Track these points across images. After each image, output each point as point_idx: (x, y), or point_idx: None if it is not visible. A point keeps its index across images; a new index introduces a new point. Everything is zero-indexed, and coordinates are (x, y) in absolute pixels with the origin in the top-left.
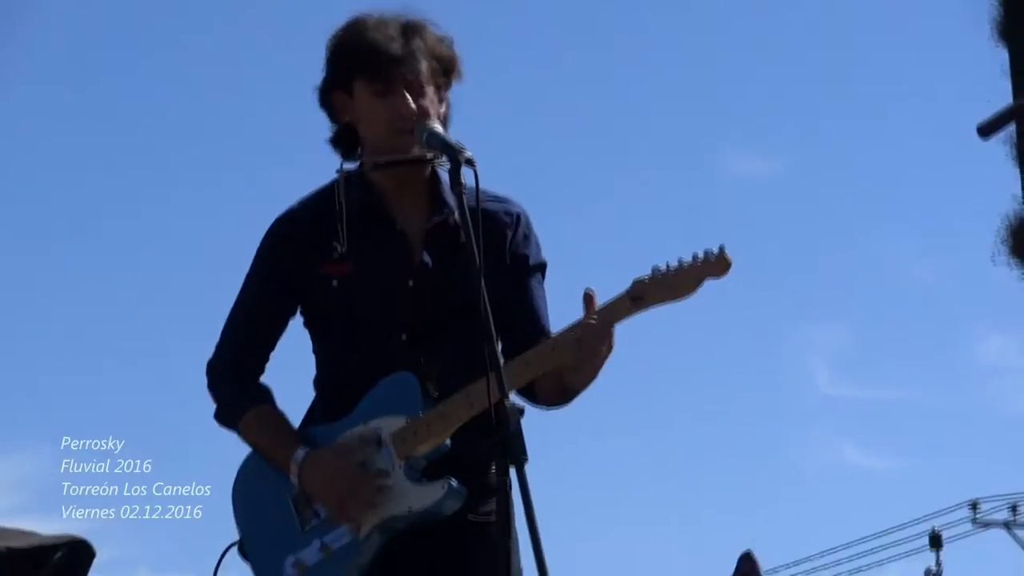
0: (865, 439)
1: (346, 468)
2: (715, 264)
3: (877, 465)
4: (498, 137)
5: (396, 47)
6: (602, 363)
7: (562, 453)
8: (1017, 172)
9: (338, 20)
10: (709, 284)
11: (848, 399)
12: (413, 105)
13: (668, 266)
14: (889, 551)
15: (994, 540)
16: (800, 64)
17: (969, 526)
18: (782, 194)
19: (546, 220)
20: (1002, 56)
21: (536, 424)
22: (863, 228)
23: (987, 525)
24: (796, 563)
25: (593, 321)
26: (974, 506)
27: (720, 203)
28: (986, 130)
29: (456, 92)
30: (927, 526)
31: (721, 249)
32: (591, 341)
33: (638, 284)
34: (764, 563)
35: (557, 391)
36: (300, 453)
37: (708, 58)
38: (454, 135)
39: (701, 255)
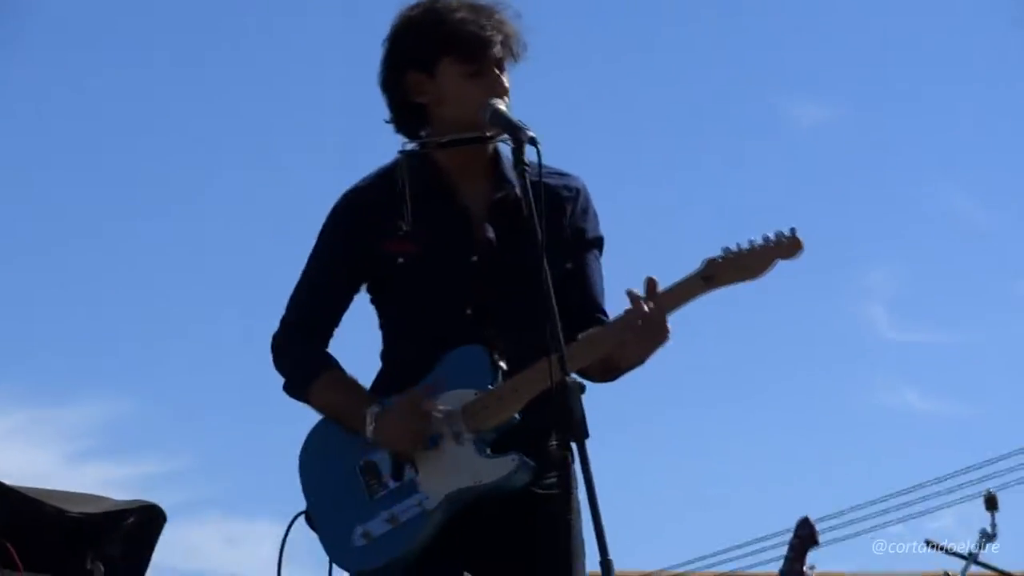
0: (926, 383)
1: (420, 410)
2: (787, 246)
3: (938, 409)
4: (546, 110)
5: (488, 28)
6: (655, 348)
7: (625, 422)
8: None
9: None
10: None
11: (909, 343)
12: (507, 85)
13: (739, 247)
14: (945, 497)
15: None
16: (858, 7)
17: None
18: (840, 140)
19: (613, 191)
20: None
21: (601, 396)
22: (921, 175)
23: None
24: (854, 508)
25: (651, 306)
26: None
27: (779, 150)
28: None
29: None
30: (985, 472)
31: (792, 231)
32: (648, 326)
33: (710, 263)
34: (822, 510)
35: (607, 369)
36: (375, 408)
37: (760, 6)
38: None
39: (772, 236)
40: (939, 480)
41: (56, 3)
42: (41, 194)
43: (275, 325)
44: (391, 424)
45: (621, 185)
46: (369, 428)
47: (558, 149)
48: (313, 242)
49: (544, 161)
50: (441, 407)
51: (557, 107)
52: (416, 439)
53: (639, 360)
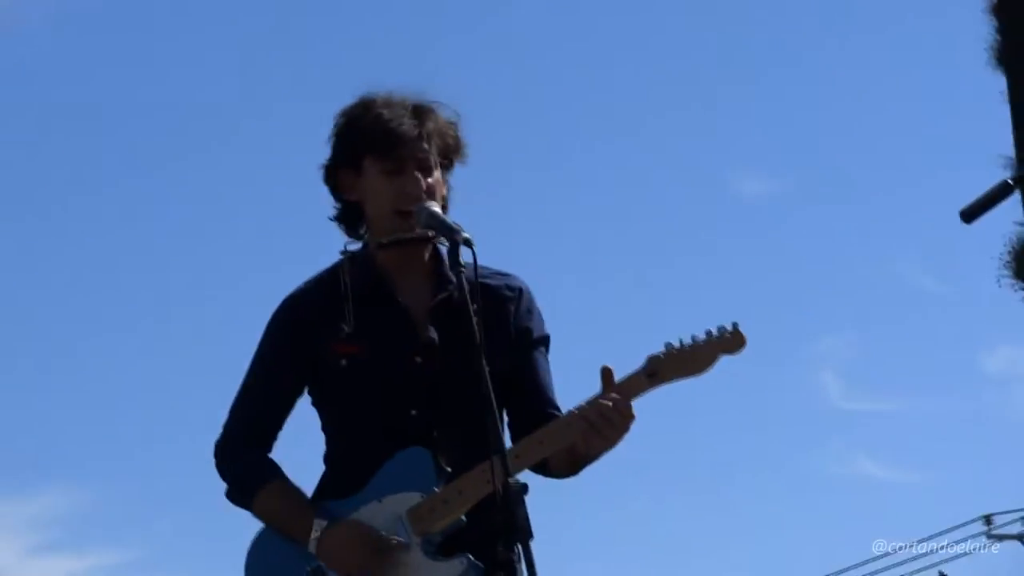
0: (880, 452)
1: (365, 541)
2: (730, 341)
3: (892, 478)
4: (496, 199)
5: (408, 127)
6: (623, 433)
7: (580, 508)
8: (1019, 197)
9: (345, 94)
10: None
11: (861, 412)
12: (424, 185)
13: (682, 343)
14: (904, 567)
15: (1008, 553)
16: (804, 81)
17: (984, 540)
18: (788, 211)
19: (559, 277)
20: (1000, 81)
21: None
22: (870, 243)
23: (1001, 538)
24: None
25: (615, 397)
26: (988, 520)
27: (730, 223)
28: (970, 215)
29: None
30: (942, 541)
31: (735, 326)
32: (613, 417)
33: (653, 360)
34: None
35: (570, 462)
36: (320, 524)
37: (705, 81)
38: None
39: (716, 331)
40: (894, 551)
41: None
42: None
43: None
44: (337, 549)
45: (568, 269)
46: (313, 545)
47: (504, 240)
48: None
49: (489, 259)
50: (392, 540)
51: (500, 196)
52: (360, 570)
53: (605, 448)
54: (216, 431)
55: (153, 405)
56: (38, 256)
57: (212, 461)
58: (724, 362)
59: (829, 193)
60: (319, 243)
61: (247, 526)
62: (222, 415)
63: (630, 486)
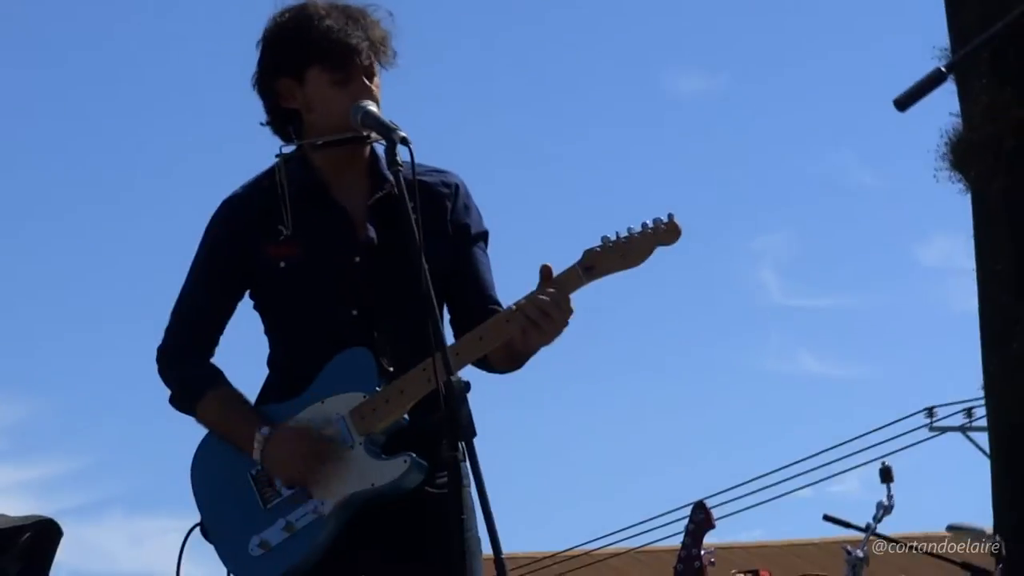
0: (820, 347)
1: (309, 442)
2: (665, 232)
3: (832, 373)
4: (430, 98)
5: (355, 35)
6: (561, 328)
7: (513, 411)
8: (954, 88)
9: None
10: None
11: (800, 308)
12: (371, 90)
13: (618, 236)
14: (846, 462)
15: (951, 444)
16: None
17: (926, 432)
18: (722, 108)
19: (496, 176)
20: None
21: (486, 389)
22: (806, 139)
23: (943, 431)
24: (759, 477)
25: (552, 291)
26: (930, 412)
27: (665, 123)
28: (904, 103)
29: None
30: (884, 434)
31: (671, 217)
32: (552, 311)
33: (589, 254)
34: (724, 480)
35: (509, 357)
36: (264, 431)
37: None
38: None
39: (651, 224)
40: (841, 444)
41: None
42: None
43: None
44: (280, 455)
45: (506, 169)
46: (257, 452)
47: (436, 141)
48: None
49: (423, 157)
50: (334, 442)
51: (434, 96)
52: (304, 475)
53: (544, 343)
54: (158, 335)
55: (94, 312)
56: None
57: (155, 368)
58: (664, 261)
59: (764, 90)
60: (253, 150)
61: (195, 430)
62: (164, 319)
63: (567, 381)
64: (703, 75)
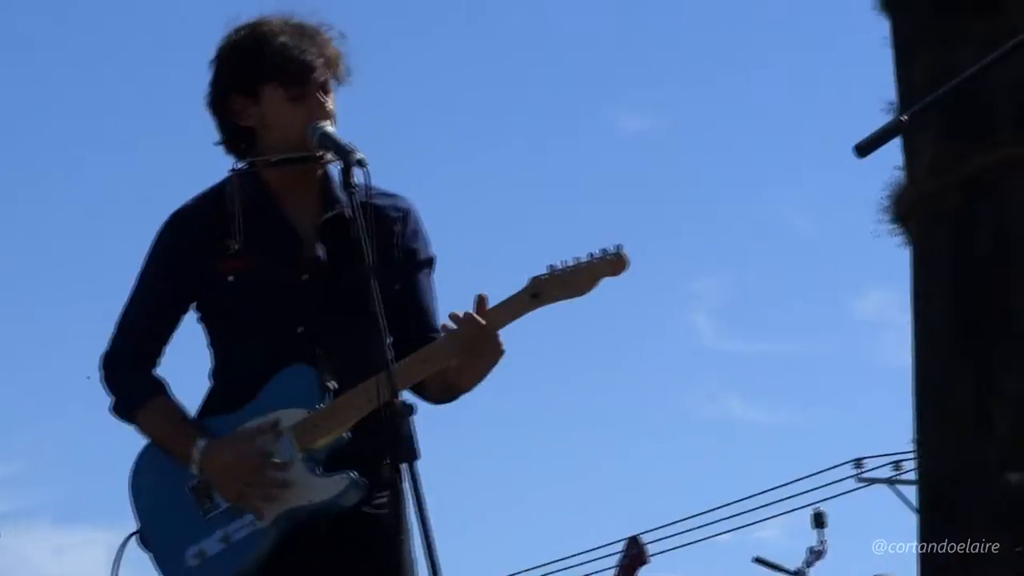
0: (751, 393)
1: (247, 457)
2: (612, 263)
3: (762, 419)
4: (380, 126)
5: (309, 53)
6: (490, 366)
7: (452, 440)
8: (899, 142)
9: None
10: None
11: (733, 352)
12: (329, 108)
13: (565, 264)
14: (771, 508)
15: (878, 496)
16: (686, 18)
17: (853, 483)
18: (665, 149)
19: (442, 204)
20: (884, 25)
21: (428, 416)
22: (748, 183)
23: (871, 482)
24: (684, 519)
25: (481, 323)
26: (858, 463)
27: (609, 159)
28: (864, 150)
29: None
30: (812, 483)
31: (618, 248)
32: (478, 342)
33: (536, 281)
34: (649, 521)
35: (444, 389)
36: (201, 443)
37: (585, 19)
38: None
39: (598, 253)
40: (766, 491)
41: None
42: None
43: (108, 323)
44: (218, 467)
45: (449, 197)
46: (194, 466)
47: (387, 164)
48: (142, 261)
49: (376, 179)
50: (272, 456)
51: (386, 121)
52: (241, 493)
53: (476, 379)
54: (95, 343)
55: (28, 315)
56: None
57: (97, 375)
58: (600, 298)
59: (708, 132)
60: (202, 167)
61: (128, 441)
62: (102, 326)
63: (493, 414)
64: (648, 114)
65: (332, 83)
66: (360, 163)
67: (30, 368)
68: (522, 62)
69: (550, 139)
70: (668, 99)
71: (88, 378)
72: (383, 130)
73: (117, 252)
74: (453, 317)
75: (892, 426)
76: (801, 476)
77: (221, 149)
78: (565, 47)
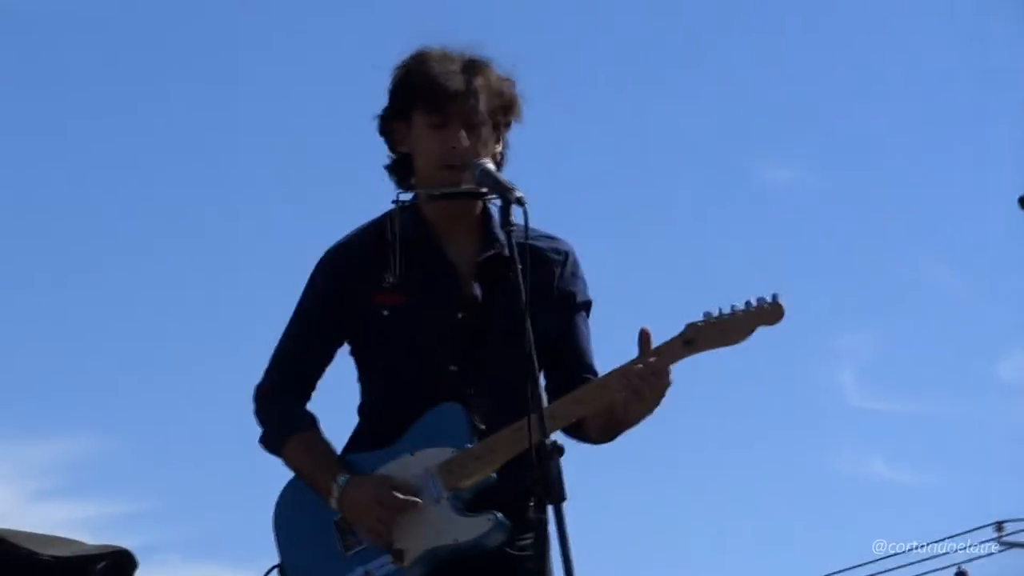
0: (894, 453)
1: (388, 496)
2: (769, 313)
3: (903, 479)
4: (537, 174)
5: (457, 83)
6: (659, 397)
7: (595, 488)
8: None
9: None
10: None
11: (876, 411)
12: (466, 142)
13: (721, 312)
14: (912, 569)
15: (1018, 560)
16: (833, 73)
17: (994, 546)
18: (813, 204)
19: (592, 251)
20: None
21: (574, 460)
22: (892, 240)
23: (1012, 545)
24: None
25: (651, 361)
26: (999, 526)
27: (751, 215)
28: None
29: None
30: (952, 544)
31: (775, 297)
32: (650, 380)
33: (691, 328)
34: None
35: (606, 427)
36: (342, 479)
37: (729, 70)
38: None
39: (755, 302)
40: (905, 552)
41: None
42: (19, 226)
43: (248, 373)
44: (357, 505)
45: (593, 244)
46: (333, 501)
47: (543, 207)
48: (298, 294)
49: (536, 221)
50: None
51: (537, 167)
52: (378, 526)
53: (641, 414)
54: (237, 382)
55: (176, 354)
56: (61, 182)
57: (240, 404)
58: (742, 355)
59: (854, 186)
60: (364, 196)
61: (262, 482)
62: (244, 370)
63: (630, 475)
64: (791, 166)
65: (481, 117)
66: (519, 202)
67: (167, 405)
68: (668, 111)
69: (696, 189)
70: (814, 151)
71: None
72: (542, 170)
73: (261, 298)
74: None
75: None
76: (942, 537)
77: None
78: (711, 97)
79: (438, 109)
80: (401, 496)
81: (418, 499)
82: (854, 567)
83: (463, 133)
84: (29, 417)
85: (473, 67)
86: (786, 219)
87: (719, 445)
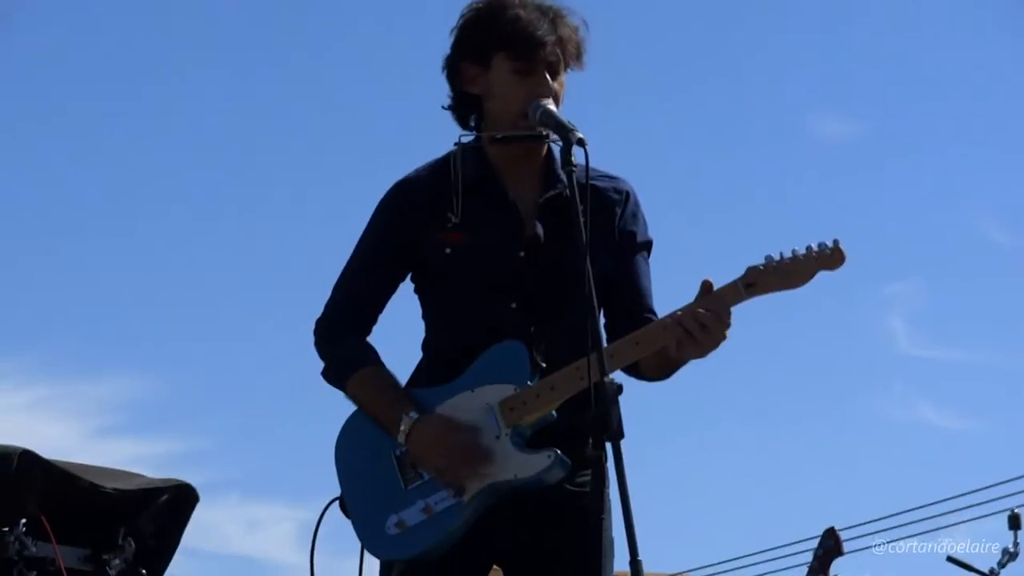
0: (942, 399)
1: (455, 436)
2: (830, 257)
3: (953, 426)
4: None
5: (545, 30)
6: (719, 341)
7: (654, 427)
8: None
9: None
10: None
11: (926, 359)
12: (552, 86)
13: (782, 256)
14: (962, 513)
15: None
16: (887, 25)
17: None
18: (867, 155)
19: (647, 201)
20: None
21: (632, 400)
22: (945, 192)
23: None
24: (872, 521)
25: (712, 305)
26: None
27: (807, 166)
28: None
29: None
30: (1001, 491)
31: (836, 243)
32: (711, 324)
33: (752, 271)
34: (840, 521)
35: (663, 364)
36: (413, 415)
37: (789, 22)
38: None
39: (816, 247)
40: (955, 497)
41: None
42: (85, 176)
43: (305, 313)
44: (425, 443)
45: (650, 192)
46: (402, 436)
47: (602, 152)
48: (360, 231)
49: (598, 162)
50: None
51: (598, 115)
52: (444, 468)
53: (698, 355)
54: (294, 322)
55: (233, 294)
56: (123, 135)
57: (296, 344)
58: (795, 302)
59: (909, 140)
60: (424, 136)
61: (323, 420)
62: (299, 312)
63: (686, 415)
64: (848, 119)
65: (562, 65)
66: (580, 142)
67: (225, 345)
68: (728, 66)
69: (752, 141)
70: (870, 105)
71: None
72: (593, 120)
73: (318, 241)
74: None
75: None
76: (991, 484)
77: (449, 115)
78: (770, 53)
79: (525, 55)
80: (471, 445)
81: (488, 453)
82: (905, 511)
83: (548, 78)
84: (90, 356)
85: (555, 15)
86: (839, 170)
87: (770, 390)
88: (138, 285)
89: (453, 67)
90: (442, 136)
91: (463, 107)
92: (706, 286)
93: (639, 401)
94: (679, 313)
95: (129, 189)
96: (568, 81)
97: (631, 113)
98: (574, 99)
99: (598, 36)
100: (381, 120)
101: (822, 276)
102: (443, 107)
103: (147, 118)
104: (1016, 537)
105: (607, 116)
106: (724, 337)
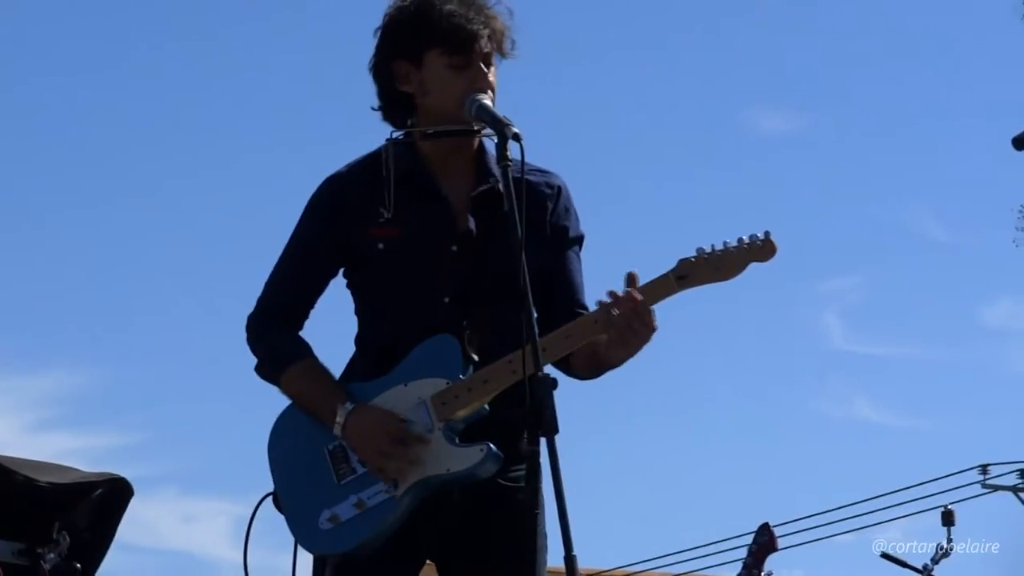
0: (878, 396)
1: (390, 426)
2: (761, 249)
3: (889, 422)
4: (525, 110)
5: (476, 22)
6: (644, 342)
7: (590, 423)
8: None
9: None
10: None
11: (862, 355)
12: (490, 80)
13: (714, 248)
14: (897, 509)
15: (1002, 503)
16: (829, 18)
17: (978, 488)
18: (804, 152)
19: (580, 196)
20: None
21: (568, 394)
22: (883, 188)
23: (996, 488)
24: (806, 517)
25: (639, 294)
26: (984, 470)
27: (744, 161)
28: (1021, 143)
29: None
30: (937, 487)
31: (767, 234)
32: (633, 318)
33: (684, 263)
34: (774, 517)
35: (592, 364)
36: (348, 406)
37: (730, 18)
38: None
39: (747, 239)
40: (889, 493)
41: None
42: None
43: (240, 307)
44: (361, 433)
45: (591, 185)
46: (338, 428)
47: (537, 145)
48: (292, 226)
49: (526, 158)
50: (413, 430)
51: (538, 105)
52: (378, 460)
53: (625, 356)
54: (230, 317)
55: (170, 289)
56: (54, 124)
57: (232, 339)
58: (732, 294)
59: (846, 135)
60: (356, 132)
61: (258, 415)
62: (233, 304)
63: (619, 409)
64: (786, 116)
65: (495, 57)
66: (516, 137)
67: (161, 341)
68: (675, 59)
69: (688, 137)
70: (809, 102)
71: None
72: (530, 111)
73: (252, 231)
74: (611, 295)
75: (1019, 434)
76: (926, 480)
77: (378, 116)
78: (707, 47)
79: (461, 49)
80: (407, 429)
81: (422, 435)
82: (839, 507)
83: (484, 70)
84: (28, 350)
85: (482, 9)
86: (777, 166)
87: (705, 384)
88: (76, 281)
89: (383, 66)
90: (378, 133)
91: (394, 106)
92: (630, 278)
93: (574, 396)
94: (608, 304)
95: (67, 183)
96: (500, 72)
97: (564, 106)
98: (507, 92)
99: (532, 28)
100: (321, 114)
101: (759, 273)
102: (372, 108)
103: (86, 106)
104: (950, 533)
105: (539, 109)
106: (648, 337)
